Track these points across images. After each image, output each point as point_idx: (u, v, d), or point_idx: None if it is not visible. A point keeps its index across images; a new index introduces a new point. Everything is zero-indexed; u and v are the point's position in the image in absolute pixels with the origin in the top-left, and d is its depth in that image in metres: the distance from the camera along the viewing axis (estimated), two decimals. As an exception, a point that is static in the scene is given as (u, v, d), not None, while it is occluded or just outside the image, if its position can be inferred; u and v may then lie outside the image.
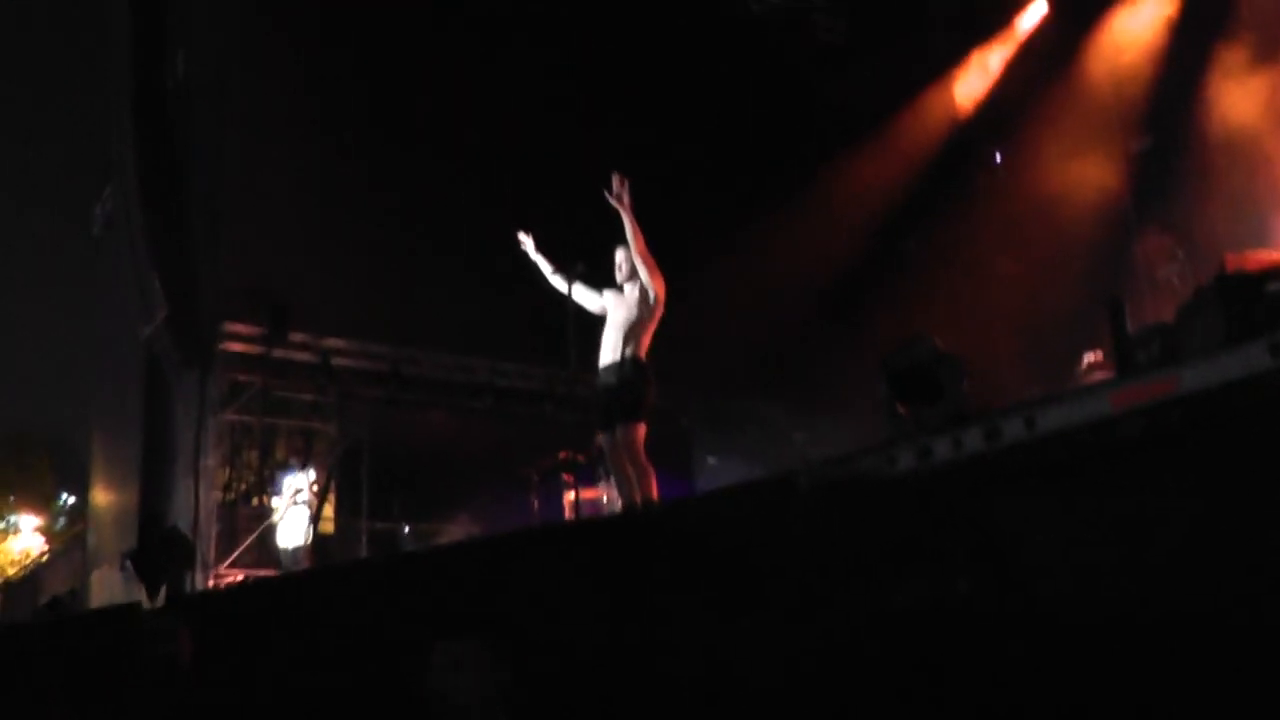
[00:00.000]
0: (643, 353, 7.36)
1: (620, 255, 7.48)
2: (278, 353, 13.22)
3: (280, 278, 12.71)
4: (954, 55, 14.31)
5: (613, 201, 7.23)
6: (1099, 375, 8.87)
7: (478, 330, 13.89)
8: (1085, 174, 12.17)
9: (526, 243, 7.80)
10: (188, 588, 9.77)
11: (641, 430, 7.14)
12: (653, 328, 7.38)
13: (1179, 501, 3.21)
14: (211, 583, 11.68)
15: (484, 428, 14.41)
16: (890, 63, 14.47)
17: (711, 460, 14.08)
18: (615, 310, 7.49)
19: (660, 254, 7.52)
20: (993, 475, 3.68)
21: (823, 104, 14.56)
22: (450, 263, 13.07)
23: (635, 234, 7.27)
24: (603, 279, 7.65)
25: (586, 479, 10.71)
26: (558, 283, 7.67)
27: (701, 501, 6.88)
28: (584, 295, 7.63)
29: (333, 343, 13.68)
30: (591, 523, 8.42)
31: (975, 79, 14.28)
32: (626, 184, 7.25)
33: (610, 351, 7.40)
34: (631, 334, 7.32)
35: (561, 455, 10.99)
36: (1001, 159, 13.93)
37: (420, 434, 14.25)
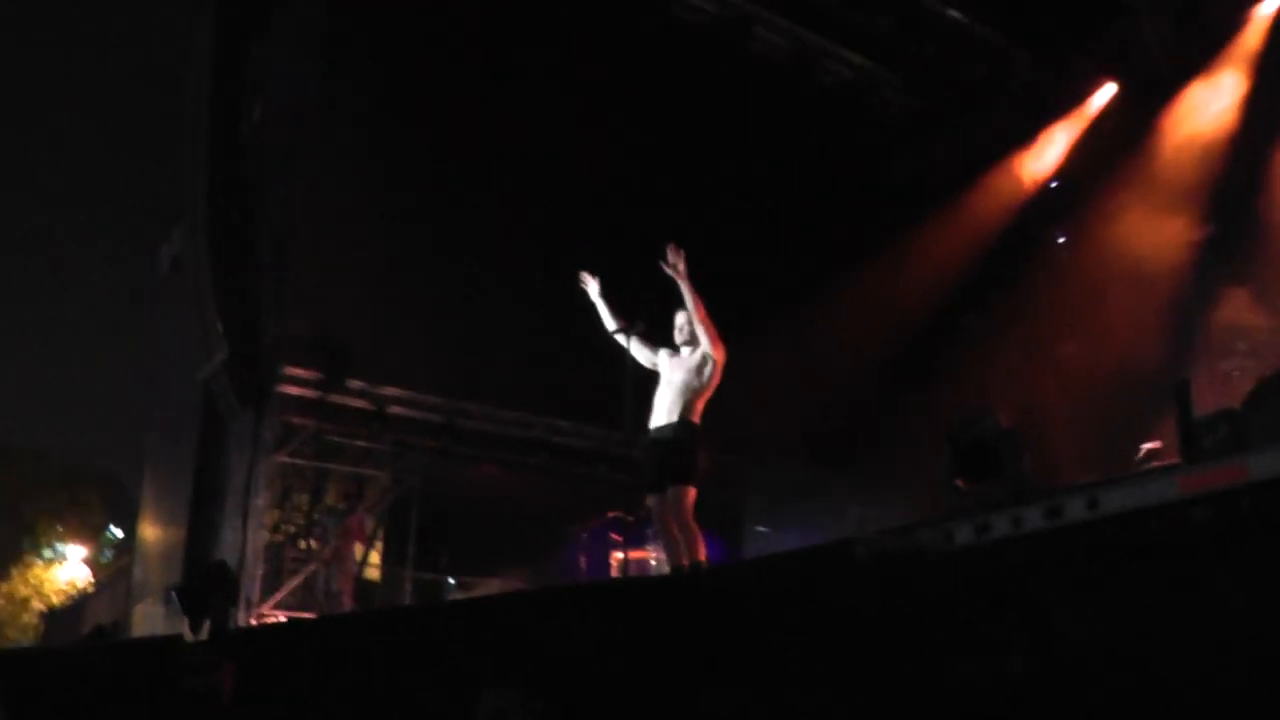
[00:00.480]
0: (696, 417, 7.35)
1: (681, 318, 7.52)
2: (334, 398, 13.31)
3: (340, 325, 12.87)
4: (1023, 133, 14.21)
5: (669, 271, 7.31)
6: (1156, 465, 8.70)
7: (534, 386, 13.95)
8: (1149, 257, 12.04)
9: (590, 285, 7.76)
10: (231, 624, 9.80)
11: (691, 494, 7.12)
12: (708, 394, 7.38)
13: (1247, 592, 3.14)
14: (254, 621, 11.69)
15: (535, 484, 14.38)
16: (959, 138, 14.57)
17: (761, 529, 13.87)
18: (672, 372, 7.49)
19: (722, 321, 7.55)
20: (1052, 555, 3.63)
21: (891, 177, 14.59)
22: (510, 318, 13.14)
23: (695, 301, 7.35)
24: (663, 338, 7.63)
25: (635, 540, 10.74)
26: (616, 334, 7.67)
27: (752, 566, 6.83)
28: (640, 351, 7.63)
29: (389, 391, 13.75)
30: (637, 583, 8.35)
31: (1042, 157, 14.19)
32: (682, 255, 7.33)
33: (664, 413, 7.39)
34: (686, 397, 7.32)
35: (610, 515, 11.22)
36: (1064, 239, 13.83)
37: (471, 487, 14.27)
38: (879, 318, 13.76)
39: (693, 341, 7.45)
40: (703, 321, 7.34)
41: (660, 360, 7.58)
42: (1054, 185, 14.08)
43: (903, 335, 13.94)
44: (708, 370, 7.35)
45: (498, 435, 14.45)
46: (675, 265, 7.30)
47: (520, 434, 14.64)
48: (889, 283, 13.92)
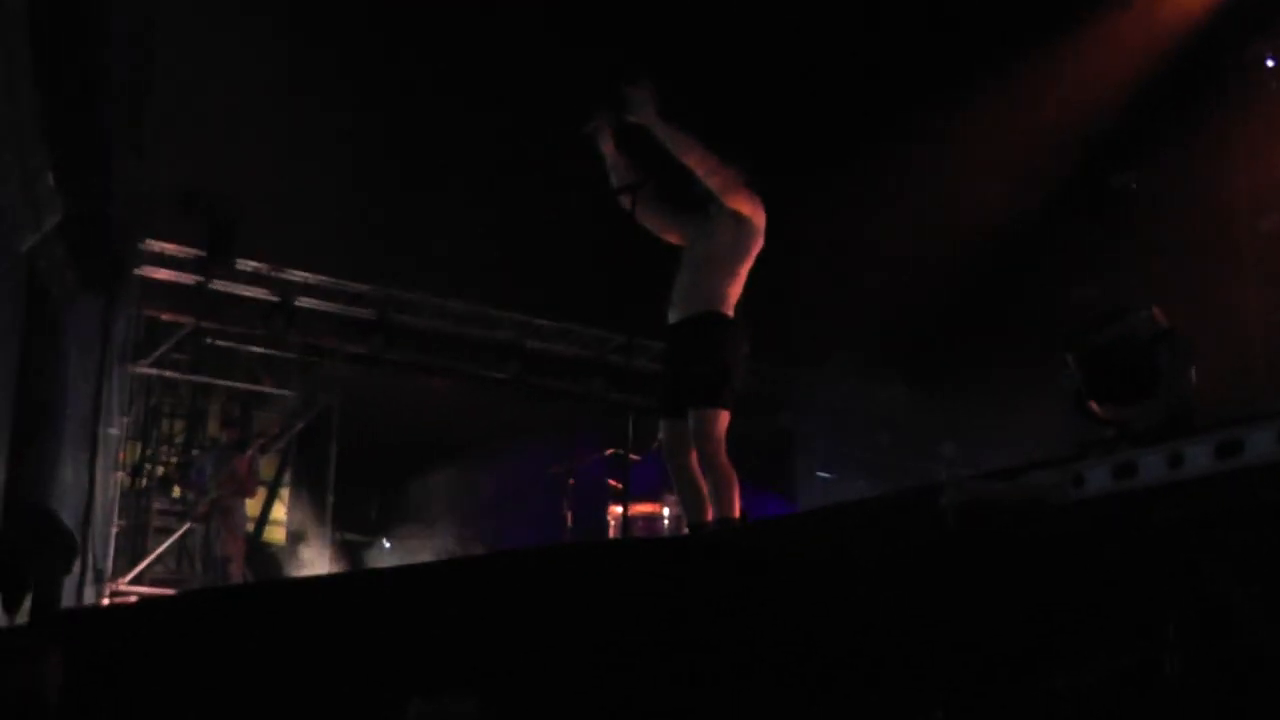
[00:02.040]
0: (728, 307, 7.19)
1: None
2: (218, 284, 13.42)
3: (227, 182, 12.82)
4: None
5: (638, 120, 7.18)
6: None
7: (500, 269, 13.96)
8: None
9: (603, 135, 7.56)
10: (67, 600, 9.83)
11: (724, 419, 7.01)
12: (743, 272, 7.25)
13: None
14: (106, 601, 11.74)
15: (503, 406, 14.62)
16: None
17: (824, 475, 13.95)
18: (694, 243, 7.40)
19: (762, 173, 7.41)
20: (1226, 509, 3.58)
21: None
22: (467, 176, 13.14)
23: (690, 151, 7.15)
24: (682, 199, 7.51)
25: (642, 486, 10.77)
26: (619, 194, 7.45)
27: (800, 523, 6.80)
28: (651, 217, 7.51)
29: (296, 275, 13.88)
30: (644, 545, 8.34)
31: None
32: (649, 92, 7.18)
33: (683, 302, 7.26)
34: (713, 279, 7.20)
35: (608, 452, 11.18)
36: (1275, 63, 13.54)
37: (413, 409, 14.40)
38: (988, 174, 13.54)
39: (714, 200, 7.29)
40: (713, 174, 7.16)
41: (683, 228, 7.49)
42: None
43: (1023, 201, 13.69)
44: (744, 234, 7.23)
45: (449, 336, 14.60)
46: (641, 108, 7.16)
47: (480, 335, 14.81)
48: (1003, 126, 13.61)
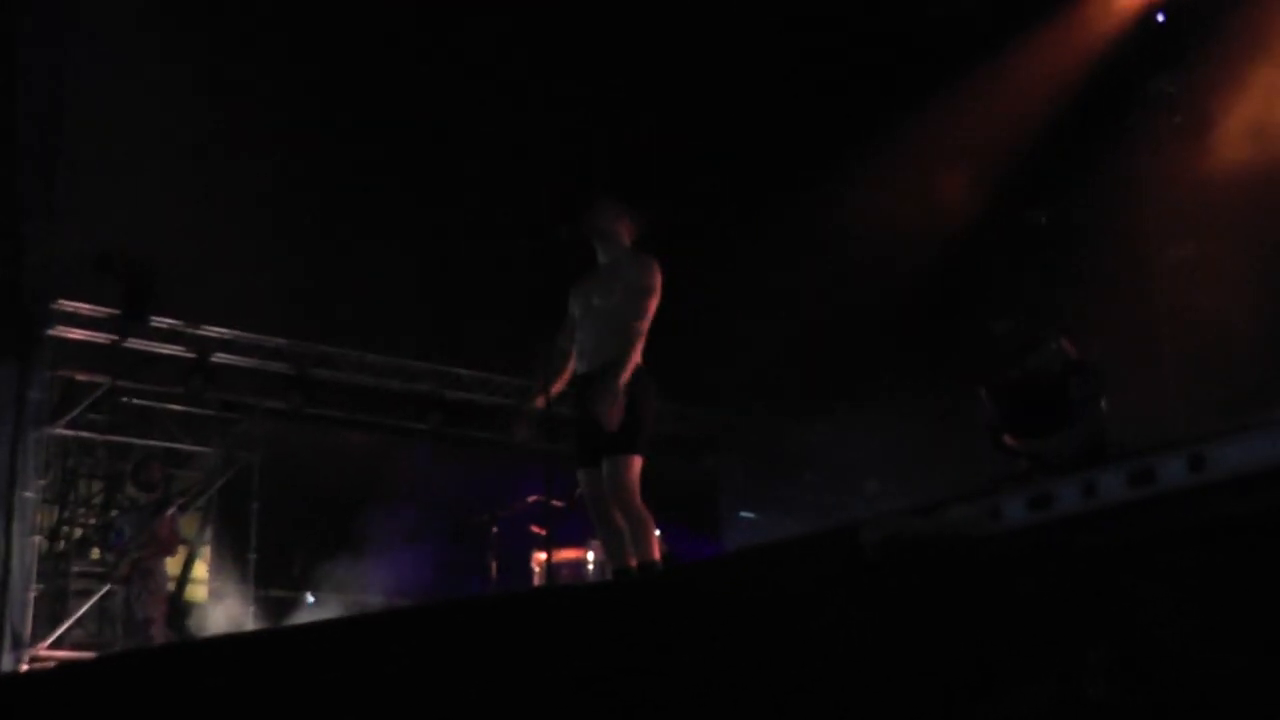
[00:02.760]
0: (637, 354, 7.31)
1: (605, 211, 7.68)
2: (134, 343, 13.28)
3: (141, 240, 12.69)
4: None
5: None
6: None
7: (418, 321, 14.12)
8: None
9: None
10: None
11: (636, 465, 7.15)
12: (647, 324, 7.38)
13: None
14: (25, 667, 11.55)
15: (425, 458, 14.61)
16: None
17: (746, 514, 13.98)
18: (594, 295, 7.55)
19: (677, 219, 7.62)
20: (1141, 536, 3.61)
21: (917, 18, 14.08)
22: (382, 229, 13.29)
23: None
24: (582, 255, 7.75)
25: (566, 533, 10.70)
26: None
27: (720, 566, 6.80)
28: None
29: (213, 331, 13.74)
30: (569, 592, 8.36)
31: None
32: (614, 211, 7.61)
33: (591, 354, 7.41)
34: (629, 335, 7.30)
35: (531, 499, 11.14)
36: (1177, 97, 13.64)
37: (334, 464, 14.32)
38: (902, 211, 13.71)
39: (612, 244, 7.61)
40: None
41: (580, 292, 7.67)
42: (1161, 19, 13.74)
43: (937, 236, 13.88)
44: (640, 296, 7.39)
45: (369, 390, 14.62)
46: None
47: (400, 387, 14.82)
48: (917, 162, 13.89)
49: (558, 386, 7.58)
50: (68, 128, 12.42)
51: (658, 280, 7.37)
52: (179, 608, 13.16)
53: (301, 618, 13.64)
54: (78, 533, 13.76)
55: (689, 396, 13.61)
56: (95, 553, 13.62)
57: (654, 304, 7.35)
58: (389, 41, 12.96)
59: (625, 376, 7.12)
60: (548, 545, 10.03)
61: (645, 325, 7.30)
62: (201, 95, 12.41)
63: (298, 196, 13.05)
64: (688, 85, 13.21)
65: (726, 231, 12.94)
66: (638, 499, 7.09)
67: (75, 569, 13.31)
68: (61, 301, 12.78)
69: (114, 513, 13.67)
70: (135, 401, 13.76)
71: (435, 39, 13.04)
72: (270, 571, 13.96)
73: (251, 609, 13.63)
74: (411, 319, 14.05)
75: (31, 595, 12.30)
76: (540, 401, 7.60)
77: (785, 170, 13.60)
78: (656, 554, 7.05)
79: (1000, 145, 13.79)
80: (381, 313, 13.88)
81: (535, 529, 11.30)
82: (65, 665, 11.01)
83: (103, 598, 13.02)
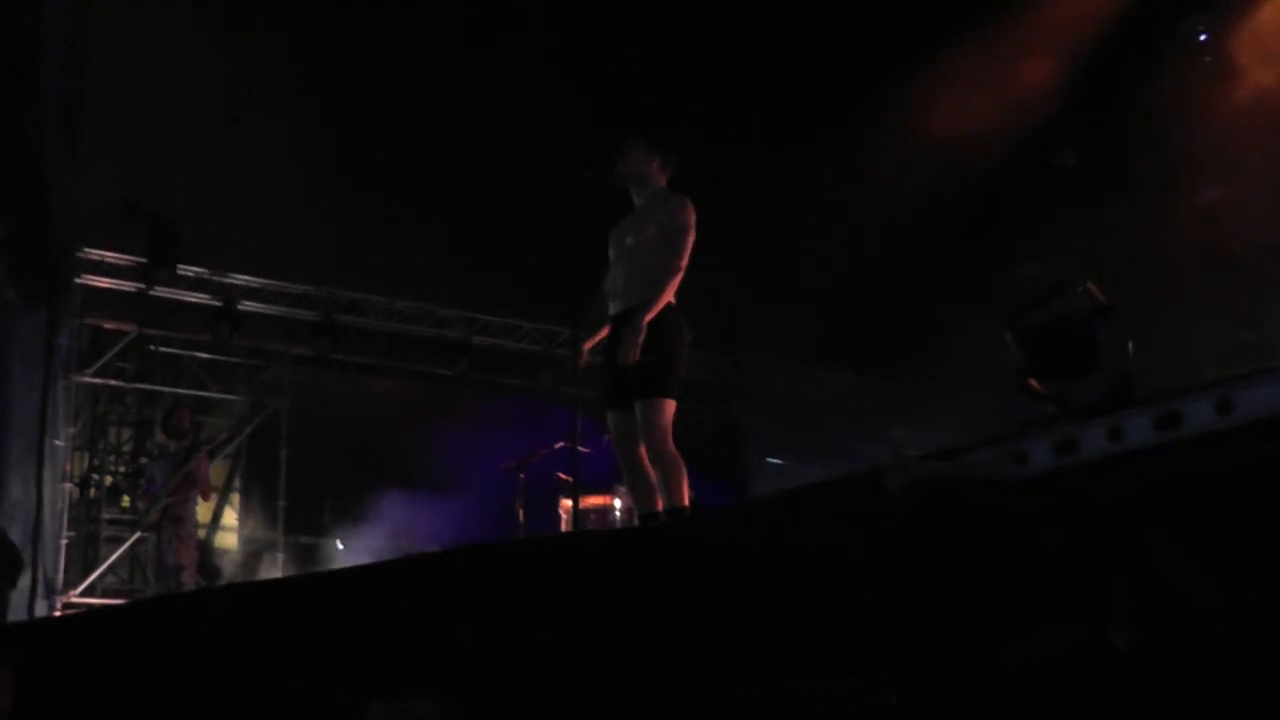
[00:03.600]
0: (670, 295, 7.27)
1: (635, 154, 7.60)
2: (161, 291, 13.33)
3: (166, 188, 12.72)
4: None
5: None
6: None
7: (446, 267, 14.04)
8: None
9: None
10: (15, 615, 9.67)
11: (669, 409, 7.06)
12: (682, 262, 7.31)
13: None
14: (58, 613, 11.65)
15: (452, 403, 14.55)
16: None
17: (774, 460, 14.00)
18: (628, 234, 7.51)
19: (703, 162, 7.63)
20: (1167, 481, 3.60)
21: None
22: (408, 174, 13.13)
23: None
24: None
25: (593, 479, 10.82)
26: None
27: (747, 511, 6.79)
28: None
29: (240, 279, 13.78)
30: (595, 538, 8.33)
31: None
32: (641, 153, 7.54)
33: (623, 294, 7.35)
34: (650, 269, 7.29)
35: (558, 445, 11.15)
36: (1208, 35, 13.31)
37: (362, 410, 14.41)
38: (929, 156, 13.52)
39: (645, 187, 7.54)
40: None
41: (617, 229, 7.62)
42: None
43: (963, 180, 13.78)
44: (674, 233, 7.33)
45: (397, 336, 14.63)
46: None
47: (429, 333, 14.82)
48: (943, 106, 13.64)
49: (601, 334, 7.53)
50: (91, 75, 12.28)
51: (691, 218, 7.31)
52: (209, 554, 13.09)
53: (331, 564, 13.72)
54: (108, 480, 13.83)
55: (712, 342, 13.62)
56: (125, 500, 13.71)
57: (687, 242, 7.27)
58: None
59: (651, 313, 7.07)
60: (574, 491, 9.98)
61: (678, 264, 7.23)
62: (227, 40, 12.42)
63: (324, 142, 13.00)
64: (716, 23, 13.15)
65: (750, 175, 12.86)
66: (669, 443, 7.02)
67: (106, 516, 13.41)
68: (88, 250, 12.84)
69: (143, 460, 13.77)
70: (163, 349, 13.86)
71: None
72: (299, 517, 14.03)
73: (281, 555, 13.72)
74: (438, 265, 13.99)
75: (63, 542, 12.38)
76: (587, 347, 7.61)
77: (812, 112, 13.54)
78: (686, 500, 6.96)
79: (1029, 87, 13.61)
80: (408, 259, 13.84)
81: (562, 475, 11.27)
82: (98, 611, 11.02)
83: (134, 545, 13.14)
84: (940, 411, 12.83)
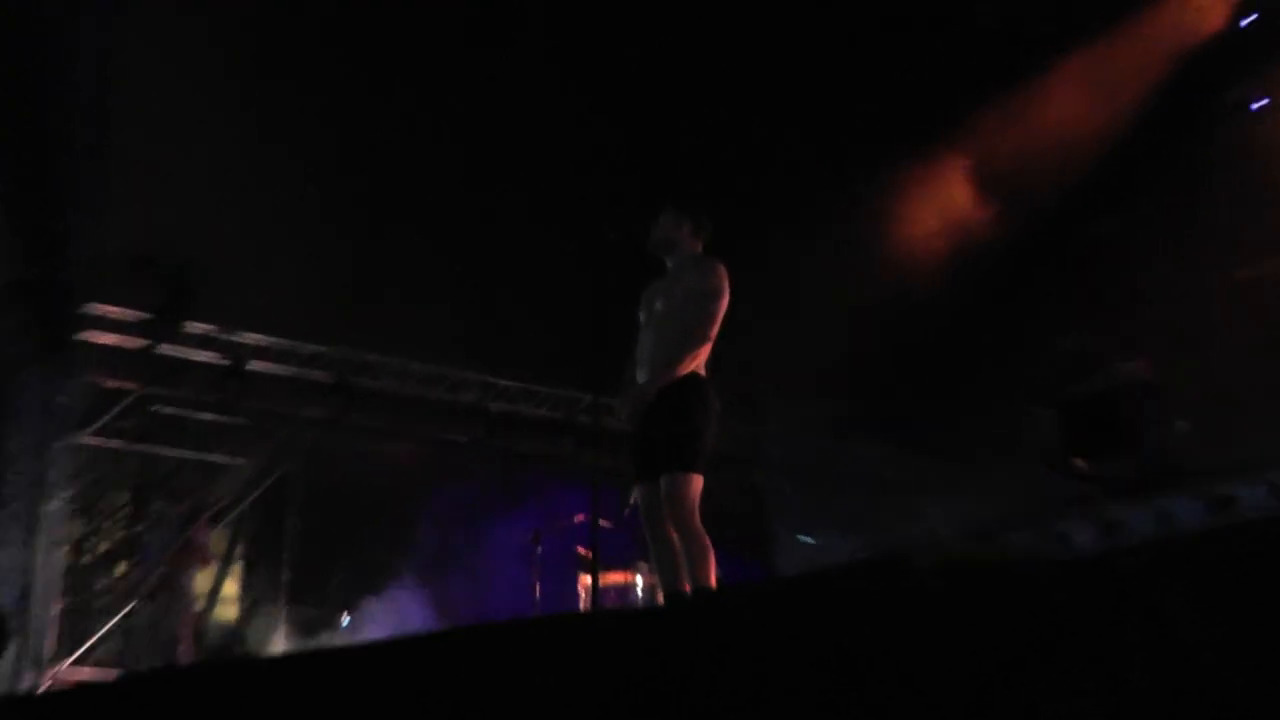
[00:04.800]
0: (699, 366, 7.26)
1: (665, 220, 7.65)
2: (166, 348, 13.41)
3: (178, 243, 12.84)
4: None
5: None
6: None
7: (464, 329, 14.04)
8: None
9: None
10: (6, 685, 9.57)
11: (695, 484, 7.02)
12: (712, 330, 7.31)
13: None
14: (48, 685, 11.56)
15: (468, 470, 14.55)
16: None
17: (805, 539, 14.12)
18: (657, 299, 7.53)
19: (731, 226, 7.65)
20: (1219, 569, 3.51)
21: (984, 13, 13.73)
22: (427, 234, 13.21)
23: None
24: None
25: (615, 554, 10.70)
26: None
27: (774, 590, 6.73)
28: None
29: (250, 338, 13.82)
30: (617, 617, 8.26)
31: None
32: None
33: (649, 363, 7.36)
34: (682, 338, 7.24)
35: (578, 518, 11.07)
36: (1263, 103, 13.28)
37: (374, 476, 14.34)
38: (965, 218, 13.74)
39: (676, 252, 7.60)
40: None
41: (645, 296, 7.66)
42: (1247, 23, 13.47)
43: (1001, 246, 13.76)
44: (705, 298, 7.32)
45: (410, 399, 14.64)
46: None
47: (445, 397, 14.86)
48: (984, 167, 13.76)
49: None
50: (105, 124, 12.17)
51: (722, 283, 7.32)
52: (207, 625, 13.10)
53: (337, 639, 13.57)
54: (104, 546, 13.79)
55: (732, 410, 13.27)
56: (121, 567, 13.66)
57: (716, 308, 7.27)
58: (438, 41, 12.87)
59: (665, 380, 7.09)
60: (594, 567, 9.75)
61: (704, 332, 7.23)
62: (244, 93, 12.37)
63: (340, 198, 13.01)
64: (737, 88, 13.15)
65: (775, 238, 12.74)
66: (696, 519, 6.97)
67: (100, 583, 13.40)
68: (93, 305, 12.85)
69: (141, 526, 13.70)
70: (166, 410, 13.81)
71: (484, 39, 12.97)
72: (305, 589, 13.94)
73: (283, 628, 13.65)
74: (455, 327, 13.93)
75: (55, 611, 12.33)
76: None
77: (838, 176, 13.50)
78: (713, 580, 6.91)
79: (1070, 153, 13.49)
80: (424, 320, 13.71)
81: (581, 550, 11.22)
82: (86, 685, 10.84)
83: (128, 614, 13.02)
84: (974, 484, 12.70)
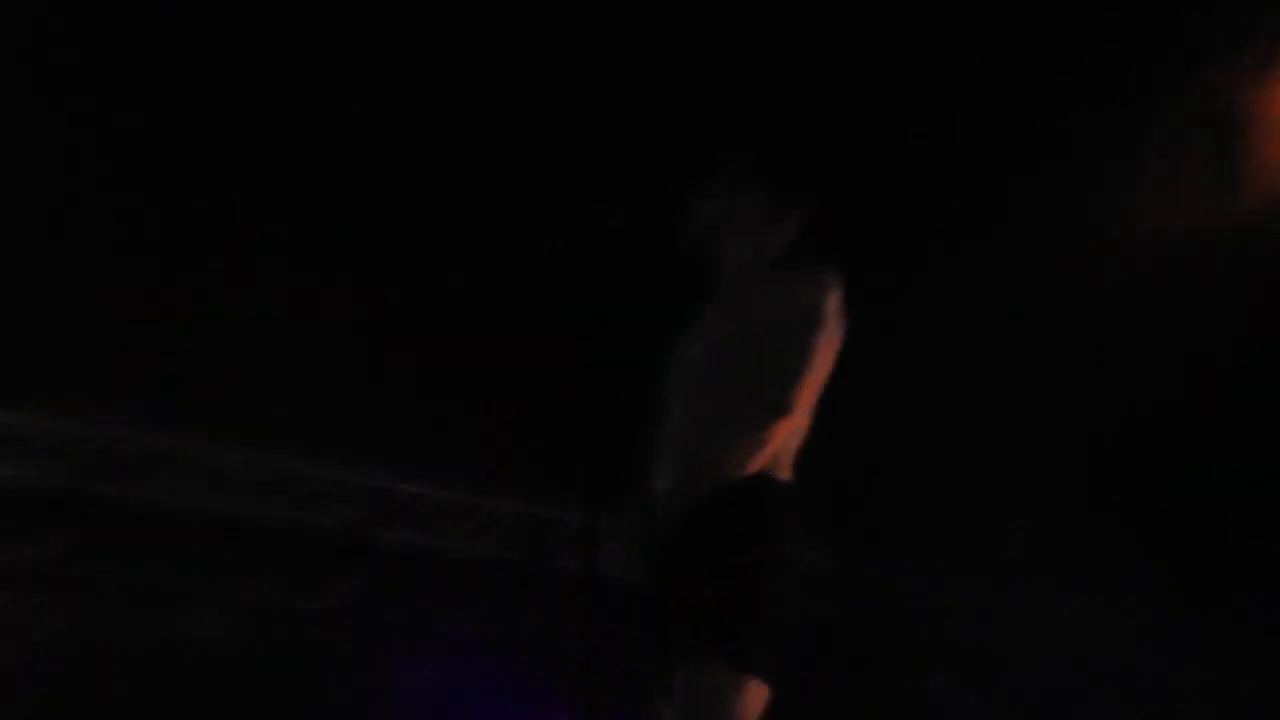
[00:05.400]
0: (776, 460, 5.29)
1: (720, 193, 5.90)
2: None
3: None
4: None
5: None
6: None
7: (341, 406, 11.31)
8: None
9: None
10: None
11: (746, 692, 4.93)
12: (806, 384, 5.38)
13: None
14: None
15: (331, 649, 11.78)
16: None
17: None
18: (696, 347, 5.77)
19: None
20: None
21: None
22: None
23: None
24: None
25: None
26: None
27: None
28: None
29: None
30: None
31: None
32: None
33: (681, 460, 5.46)
34: (740, 407, 5.31)
35: None
36: None
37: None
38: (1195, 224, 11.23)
39: (738, 253, 5.88)
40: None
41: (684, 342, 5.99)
42: None
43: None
44: (797, 315, 5.42)
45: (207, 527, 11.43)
46: None
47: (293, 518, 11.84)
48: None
49: None
50: None
51: (825, 301, 5.69)
52: None
53: None
54: None
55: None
56: None
57: (814, 344, 5.56)
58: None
59: (707, 481, 5.20)
60: None
61: (788, 393, 5.41)
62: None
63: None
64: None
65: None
66: None
67: None
68: None
69: None
70: None
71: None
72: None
73: None
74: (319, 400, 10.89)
75: None
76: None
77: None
78: None
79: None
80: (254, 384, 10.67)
81: None
82: None
83: None
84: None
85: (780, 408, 5.23)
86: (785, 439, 5.26)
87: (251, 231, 10.11)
